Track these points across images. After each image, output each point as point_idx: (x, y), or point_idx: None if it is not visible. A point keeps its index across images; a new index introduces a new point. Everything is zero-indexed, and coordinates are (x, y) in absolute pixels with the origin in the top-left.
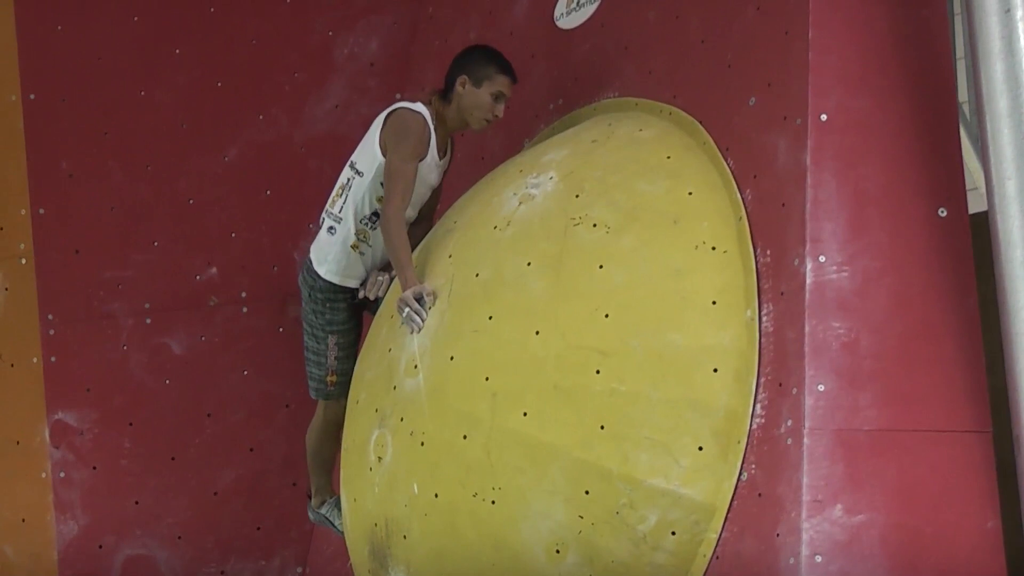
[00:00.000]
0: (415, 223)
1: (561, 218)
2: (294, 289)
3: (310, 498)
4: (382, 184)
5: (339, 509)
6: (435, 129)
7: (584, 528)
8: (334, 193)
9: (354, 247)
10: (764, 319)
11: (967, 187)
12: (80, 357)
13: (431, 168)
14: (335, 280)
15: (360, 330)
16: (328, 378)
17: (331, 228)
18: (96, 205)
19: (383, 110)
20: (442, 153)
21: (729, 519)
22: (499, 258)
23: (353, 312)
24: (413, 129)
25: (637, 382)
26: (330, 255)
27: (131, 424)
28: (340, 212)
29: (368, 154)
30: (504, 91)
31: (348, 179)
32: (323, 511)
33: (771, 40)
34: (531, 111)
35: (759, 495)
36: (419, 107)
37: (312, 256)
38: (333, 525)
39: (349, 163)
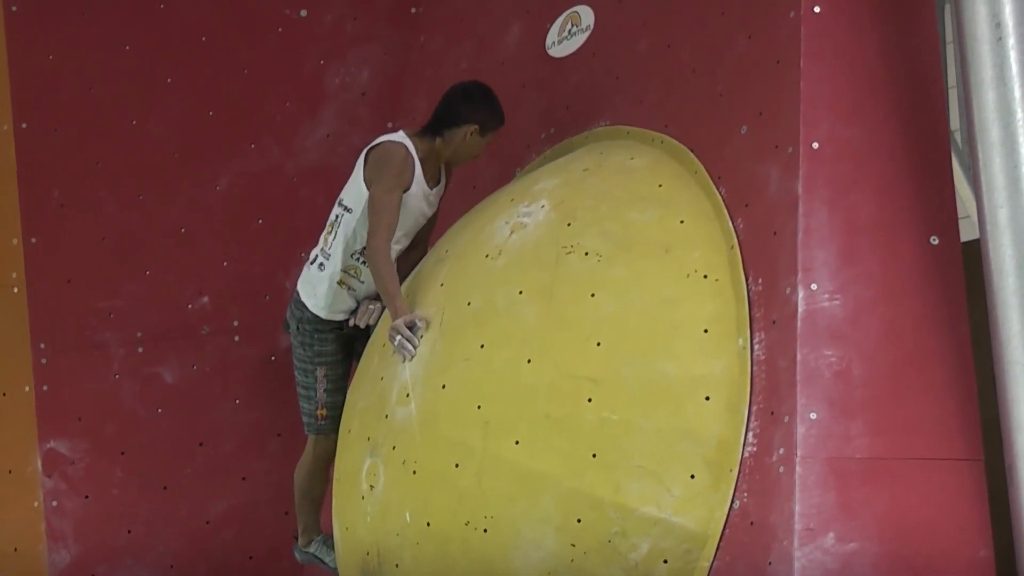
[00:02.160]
0: (410, 248)
1: (553, 247)
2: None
3: (296, 539)
4: None
5: (329, 546)
6: (423, 160)
7: (576, 557)
8: (325, 231)
9: (341, 283)
10: (756, 347)
11: (959, 215)
12: (72, 386)
13: (420, 197)
14: (322, 314)
15: (349, 363)
16: (318, 411)
17: (320, 264)
18: (88, 234)
19: (374, 140)
20: (433, 182)
21: (721, 548)
22: (491, 287)
23: (342, 345)
24: (395, 160)
25: (629, 411)
26: (319, 290)
27: (123, 453)
28: (330, 248)
29: (355, 191)
30: (493, 138)
31: (337, 216)
32: (311, 549)
33: (763, 69)
34: (523, 140)
35: (751, 523)
36: (400, 137)
37: (300, 290)
38: (324, 562)
39: (338, 201)
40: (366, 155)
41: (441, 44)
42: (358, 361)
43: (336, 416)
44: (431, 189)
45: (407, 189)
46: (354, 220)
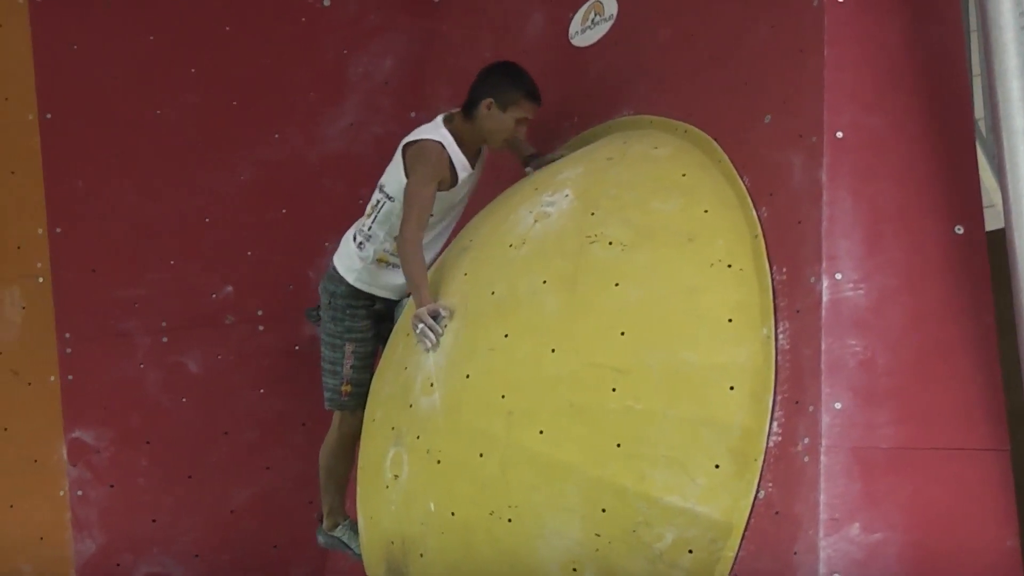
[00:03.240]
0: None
1: (576, 236)
2: (310, 306)
3: (320, 522)
4: None
5: (356, 532)
6: (461, 145)
7: (600, 546)
8: (366, 212)
9: (381, 260)
10: (780, 337)
11: (984, 204)
12: (97, 376)
13: (462, 184)
14: (359, 286)
15: (377, 344)
16: (343, 387)
17: (361, 243)
18: (112, 224)
19: (397, 129)
20: (472, 166)
21: (746, 537)
22: (514, 276)
23: (372, 323)
24: (431, 157)
25: (653, 400)
26: (357, 265)
27: (148, 442)
28: (370, 230)
29: (396, 180)
30: (528, 116)
31: (379, 201)
32: (337, 533)
33: (786, 58)
34: (546, 129)
35: (776, 513)
36: (437, 132)
37: (336, 263)
38: (349, 548)
39: (379, 186)
40: (403, 148)
41: (463, 33)
42: (383, 346)
43: (360, 394)
44: (473, 171)
45: (449, 187)
46: (396, 208)
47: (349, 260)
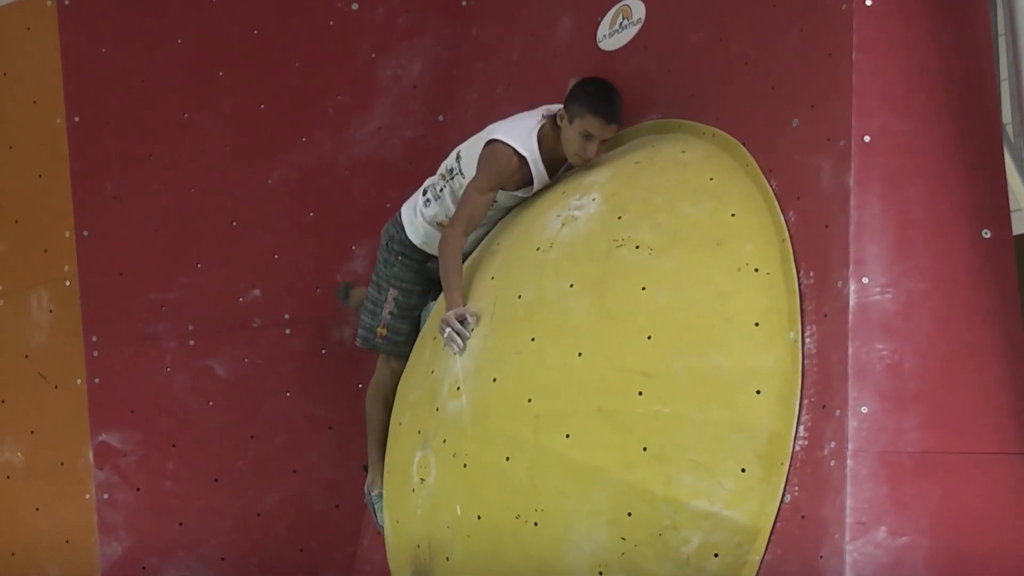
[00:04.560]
0: None
1: (604, 240)
2: (337, 311)
3: (366, 471)
4: None
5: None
6: (550, 152)
7: (627, 550)
8: (439, 173)
9: (441, 224)
10: (807, 341)
11: (1011, 208)
12: (124, 379)
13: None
14: (417, 243)
15: (420, 300)
16: (378, 329)
17: (427, 201)
18: (140, 227)
19: (425, 133)
20: (551, 176)
21: (772, 541)
22: (542, 280)
23: (420, 279)
24: (500, 165)
25: (680, 404)
26: (417, 220)
27: (175, 446)
28: (440, 192)
29: (470, 162)
30: (593, 132)
31: (451, 170)
32: (370, 491)
33: (814, 61)
34: None
35: (802, 517)
36: (526, 145)
37: (403, 211)
38: (375, 514)
39: (457, 153)
40: (488, 140)
41: (492, 37)
42: (431, 302)
43: (395, 342)
44: (548, 183)
45: (517, 187)
46: (465, 184)
47: (413, 213)
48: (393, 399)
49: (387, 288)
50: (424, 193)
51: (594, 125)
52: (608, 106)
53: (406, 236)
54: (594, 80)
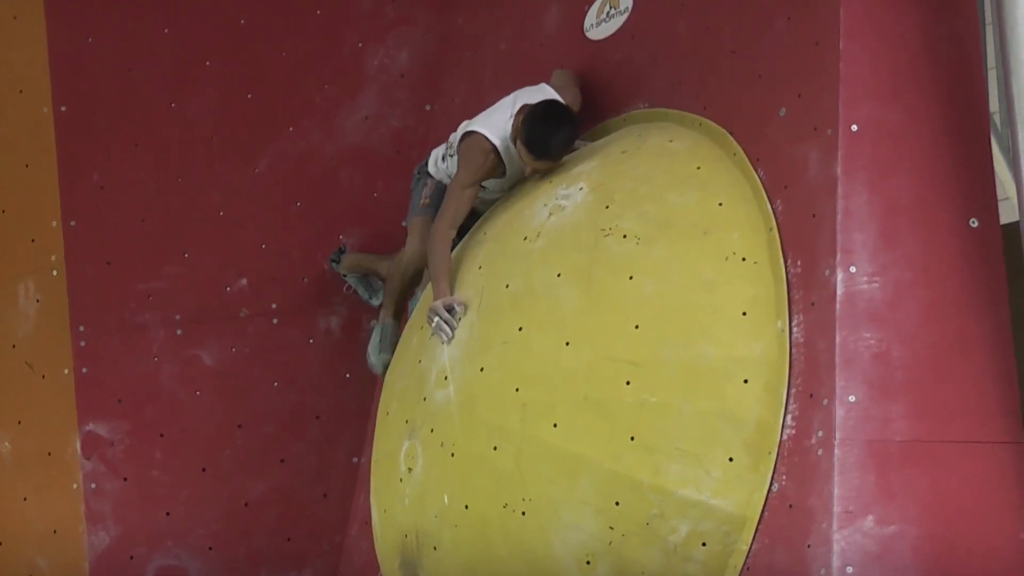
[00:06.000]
0: None
1: (591, 229)
2: (324, 300)
3: (337, 261)
4: None
5: (379, 333)
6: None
7: (615, 539)
8: (453, 139)
9: (451, 177)
10: (795, 330)
11: (998, 198)
12: (111, 368)
13: (510, 178)
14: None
15: None
16: (422, 201)
17: (444, 156)
18: (127, 217)
19: (412, 122)
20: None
21: (760, 530)
22: (529, 269)
23: None
24: (480, 161)
25: (668, 393)
26: (440, 167)
27: (162, 435)
28: (454, 151)
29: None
30: (524, 160)
31: (464, 137)
32: (352, 283)
33: (801, 51)
34: None
35: (790, 506)
36: (499, 133)
37: (432, 154)
38: (357, 293)
39: (465, 124)
40: (465, 132)
41: (480, 26)
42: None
43: (436, 206)
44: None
45: (500, 175)
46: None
47: (434, 159)
48: (414, 276)
49: (422, 185)
50: (449, 147)
51: (525, 157)
52: (541, 145)
53: (427, 171)
54: (542, 112)
